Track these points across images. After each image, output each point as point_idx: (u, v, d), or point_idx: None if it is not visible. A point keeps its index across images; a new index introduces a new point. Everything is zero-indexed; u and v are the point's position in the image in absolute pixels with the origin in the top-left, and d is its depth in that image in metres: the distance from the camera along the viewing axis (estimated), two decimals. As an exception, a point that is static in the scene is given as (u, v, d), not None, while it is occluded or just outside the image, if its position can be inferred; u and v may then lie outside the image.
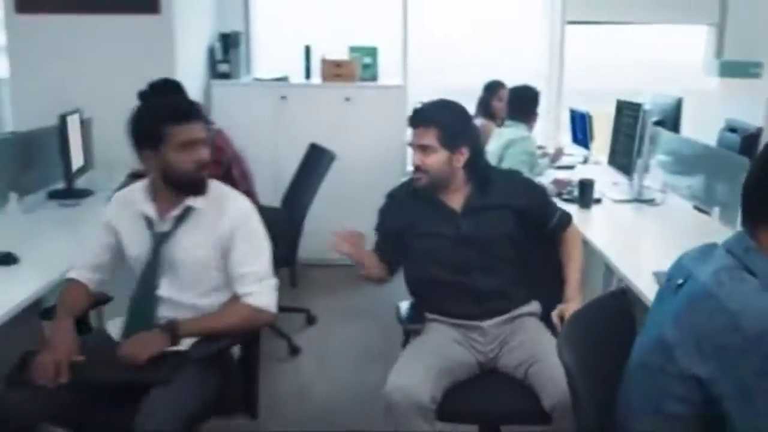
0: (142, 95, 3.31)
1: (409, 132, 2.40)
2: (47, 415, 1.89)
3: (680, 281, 1.35)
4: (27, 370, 1.87)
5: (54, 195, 3.31)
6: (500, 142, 3.86)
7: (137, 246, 2.14)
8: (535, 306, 2.38)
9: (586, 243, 2.68)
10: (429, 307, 2.34)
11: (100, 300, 2.28)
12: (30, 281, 2.18)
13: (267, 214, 2.26)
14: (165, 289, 2.09)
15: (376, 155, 4.66)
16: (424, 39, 5.06)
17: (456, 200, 2.38)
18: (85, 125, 3.65)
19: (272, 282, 2.13)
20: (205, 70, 4.76)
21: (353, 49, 4.84)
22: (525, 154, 3.78)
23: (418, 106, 2.38)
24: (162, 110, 2.12)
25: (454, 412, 2.07)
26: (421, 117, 2.33)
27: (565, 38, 5.03)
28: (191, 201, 2.11)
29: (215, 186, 2.18)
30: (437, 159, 2.30)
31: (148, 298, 2.09)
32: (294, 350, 3.53)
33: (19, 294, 2.08)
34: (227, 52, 4.77)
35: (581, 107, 4.63)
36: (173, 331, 1.97)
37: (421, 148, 2.31)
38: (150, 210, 2.13)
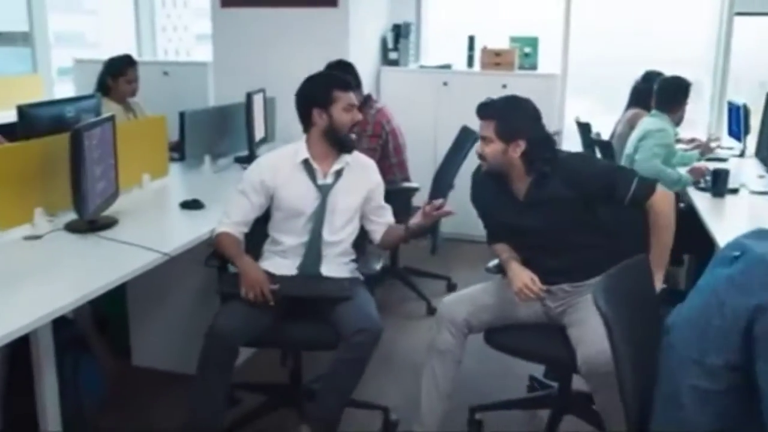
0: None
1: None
2: (251, 336, 2.43)
3: (736, 254, 1.46)
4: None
5: (239, 160, 3.94)
6: (638, 133, 3.93)
7: (303, 198, 2.58)
8: None
9: (704, 230, 2.78)
10: None
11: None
12: (211, 222, 2.73)
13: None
14: (326, 232, 2.59)
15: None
16: (586, 29, 5.19)
17: (520, 189, 2.53)
18: (267, 103, 4.25)
19: None
20: (377, 57, 5.26)
21: (514, 39, 5.10)
22: (659, 146, 3.79)
23: (486, 100, 2.55)
24: (332, 79, 2.69)
25: (498, 341, 2.53)
26: (483, 110, 2.52)
27: (733, 29, 4.93)
28: (347, 158, 2.60)
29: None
30: (493, 149, 2.48)
31: (317, 241, 2.59)
32: (431, 311, 3.91)
33: (201, 230, 2.65)
34: (398, 41, 5.24)
35: (740, 99, 4.55)
36: None
37: (482, 139, 2.52)
38: (314, 163, 2.58)
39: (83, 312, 2.98)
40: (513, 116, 2.49)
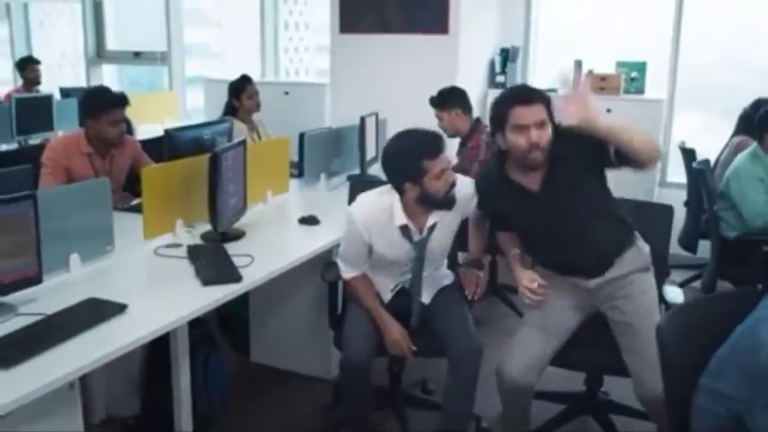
0: (432, 101, 4.08)
1: (517, 112, 2.36)
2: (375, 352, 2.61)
3: None
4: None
5: (351, 178, 4.25)
6: (732, 167, 3.96)
7: (395, 251, 2.63)
8: (640, 258, 2.50)
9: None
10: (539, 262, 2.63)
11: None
12: (326, 237, 3.04)
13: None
14: (425, 272, 2.70)
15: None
16: (697, 54, 5.19)
17: (533, 180, 2.44)
18: (380, 125, 4.56)
19: None
20: (485, 80, 5.47)
21: (621, 64, 5.17)
22: (748, 185, 3.80)
23: (520, 85, 2.49)
24: (420, 148, 2.48)
25: (563, 361, 2.56)
26: (531, 94, 2.37)
27: None
28: (441, 213, 2.58)
29: None
30: (548, 134, 2.36)
31: (417, 279, 2.69)
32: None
33: (318, 244, 2.96)
34: (505, 65, 5.43)
35: None
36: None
37: (540, 125, 2.34)
38: (410, 224, 2.58)
39: (211, 313, 3.36)
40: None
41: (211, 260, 2.63)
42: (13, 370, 1.80)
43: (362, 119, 4.19)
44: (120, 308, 2.17)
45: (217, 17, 7.70)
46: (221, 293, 2.42)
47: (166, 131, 3.42)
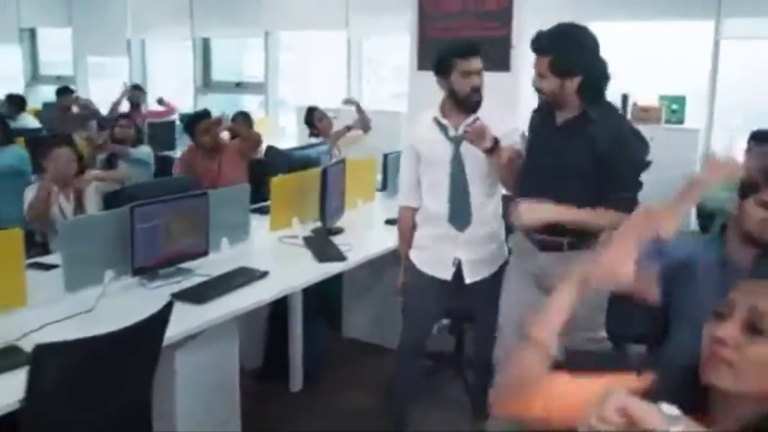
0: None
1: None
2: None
3: None
4: None
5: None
6: None
7: (434, 149, 2.86)
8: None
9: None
10: None
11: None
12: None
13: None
14: (469, 181, 2.85)
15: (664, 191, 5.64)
16: (735, 86, 5.84)
17: (562, 116, 2.59)
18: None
19: None
20: (542, 110, 6.25)
21: (663, 97, 5.89)
22: None
23: (539, 32, 2.55)
24: (452, 46, 2.89)
25: None
26: (537, 44, 2.54)
27: None
28: (476, 116, 2.80)
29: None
30: (549, 84, 2.50)
31: (459, 189, 2.86)
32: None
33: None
34: (560, 97, 6.21)
35: None
36: None
37: (538, 75, 2.54)
38: (445, 122, 2.85)
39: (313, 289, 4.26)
40: (569, 50, 2.48)
41: (322, 246, 3.53)
42: (203, 306, 2.72)
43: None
44: (263, 274, 3.09)
45: (308, 51, 8.63)
46: (331, 269, 3.32)
47: (278, 150, 4.41)
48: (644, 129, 5.68)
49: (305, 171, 4.03)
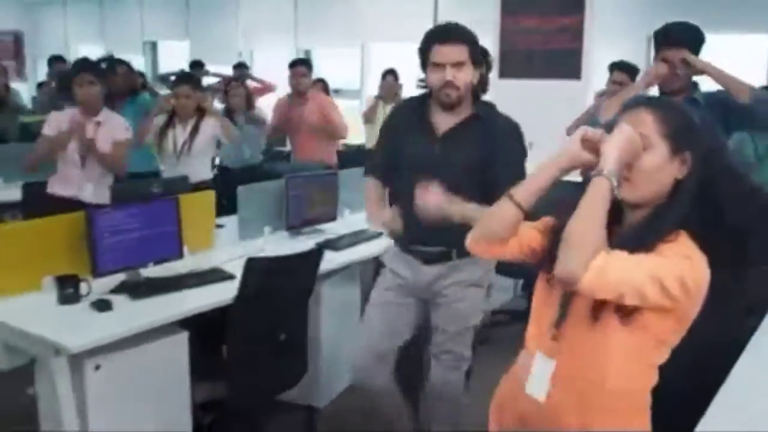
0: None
1: (437, 51, 2.40)
2: None
3: None
4: None
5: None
6: None
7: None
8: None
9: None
10: None
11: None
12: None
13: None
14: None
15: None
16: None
17: (440, 123, 2.46)
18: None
19: None
20: (611, 115, 6.95)
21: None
22: None
23: (447, 23, 2.42)
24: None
25: None
26: (454, 32, 2.39)
27: None
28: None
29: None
30: (468, 74, 2.38)
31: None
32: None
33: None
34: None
35: None
36: None
37: (456, 65, 2.36)
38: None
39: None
40: (477, 41, 2.44)
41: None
42: (339, 252, 3.67)
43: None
44: (378, 234, 4.01)
45: (398, 61, 9.51)
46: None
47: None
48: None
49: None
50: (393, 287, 2.75)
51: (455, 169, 2.41)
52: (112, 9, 12.11)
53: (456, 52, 2.40)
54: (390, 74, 7.10)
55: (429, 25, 2.72)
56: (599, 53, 6.42)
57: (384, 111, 6.78)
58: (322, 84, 7.28)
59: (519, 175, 1.87)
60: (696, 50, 2.82)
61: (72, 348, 2.43)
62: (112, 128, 4.08)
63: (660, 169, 1.52)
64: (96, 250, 2.83)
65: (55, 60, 8.23)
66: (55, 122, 4.01)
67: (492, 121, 2.54)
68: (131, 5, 11.66)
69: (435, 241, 2.57)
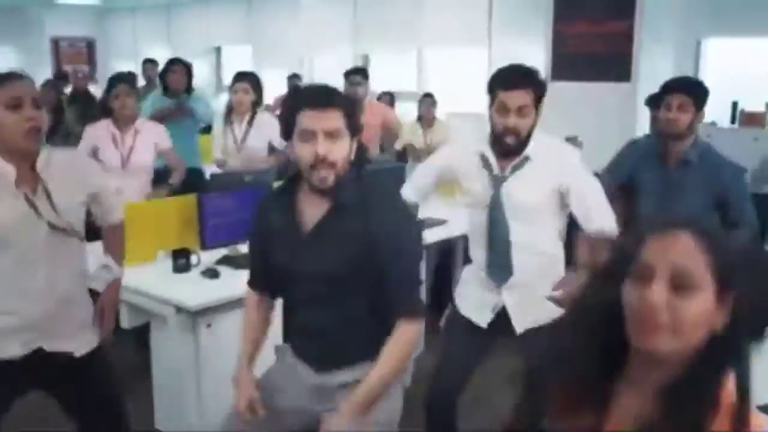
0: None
1: (306, 118, 1.83)
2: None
3: None
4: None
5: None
6: None
7: (473, 182, 2.52)
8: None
9: None
10: None
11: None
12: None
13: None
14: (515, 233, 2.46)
15: None
16: None
17: (312, 215, 1.94)
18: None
19: None
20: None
21: (768, 105, 6.76)
22: None
23: (316, 86, 1.94)
24: (496, 74, 2.45)
25: None
26: (327, 96, 1.85)
27: None
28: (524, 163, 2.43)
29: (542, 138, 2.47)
30: (344, 147, 1.85)
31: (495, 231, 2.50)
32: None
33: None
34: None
35: None
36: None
37: (330, 134, 1.81)
38: (491, 158, 2.46)
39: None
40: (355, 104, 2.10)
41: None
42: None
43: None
44: (443, 221, 4.41)
45: (453, 65, 9.83)
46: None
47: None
48: (749, 132, 6.67)
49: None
50: None
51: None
52: (178, 15, 12.77)
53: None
54: (428, 97, 7.07)
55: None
56: (649, 57, 6.62)
57: (423, 136, 6.76)
58: (389, 97, 7.58)
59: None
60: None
61: (192, 306, 2.89)
62: (151, 134, 4.25)
63: (709, 314, 1.14)
64: (204, 228, 3.31)
65: (148, 62, 8.78)
66: (90, 137, 4.14)
67: None
68: (197, 11, 12.28)
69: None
